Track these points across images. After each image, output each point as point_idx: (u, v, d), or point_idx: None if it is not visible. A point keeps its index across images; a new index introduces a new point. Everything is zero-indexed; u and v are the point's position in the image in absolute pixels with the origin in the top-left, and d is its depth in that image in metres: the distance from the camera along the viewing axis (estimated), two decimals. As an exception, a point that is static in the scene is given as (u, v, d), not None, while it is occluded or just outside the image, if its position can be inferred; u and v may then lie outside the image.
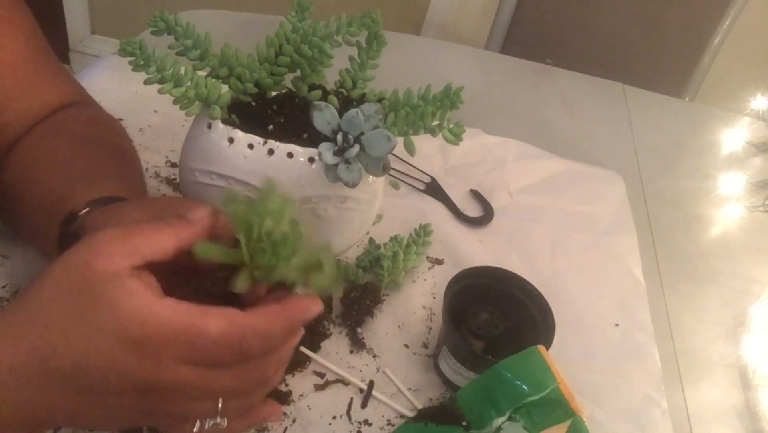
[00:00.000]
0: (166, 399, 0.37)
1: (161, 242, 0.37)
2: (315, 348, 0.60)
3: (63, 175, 0.54)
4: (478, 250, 0.76)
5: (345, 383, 0.58)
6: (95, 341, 0.34)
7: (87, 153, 0.57)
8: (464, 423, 0.53)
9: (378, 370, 0.60)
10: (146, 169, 0.75)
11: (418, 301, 0.68)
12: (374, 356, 0.61)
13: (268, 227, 0.37)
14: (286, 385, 0.57)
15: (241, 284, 0.37)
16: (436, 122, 0.47)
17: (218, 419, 0.39)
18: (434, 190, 0.83)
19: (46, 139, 0.58)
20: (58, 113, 0.61)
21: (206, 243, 0.38)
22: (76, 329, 0.35)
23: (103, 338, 0.34)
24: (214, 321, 0.35)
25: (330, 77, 0.53)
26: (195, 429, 0.39)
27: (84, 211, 0.48)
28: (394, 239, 0.70)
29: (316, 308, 0.38)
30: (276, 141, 0.47)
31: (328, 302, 0.65)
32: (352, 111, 0.45)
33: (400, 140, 0.47)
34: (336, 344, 0.62)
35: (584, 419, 0.51)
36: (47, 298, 0.36)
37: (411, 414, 0.56)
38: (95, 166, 0.56)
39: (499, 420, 0.51)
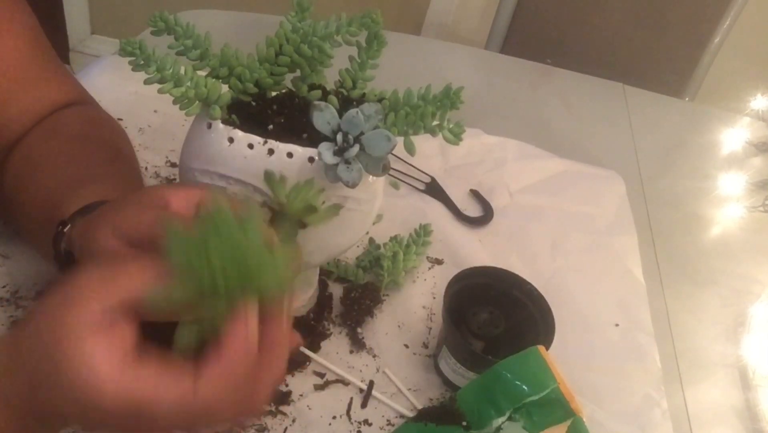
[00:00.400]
0: None
1: (143, 281, 0.33)
2: (315, 348, 0.60)
3: (58, 181, 0.54)
4: (478, 250, 0.76)
5: (345, 383, 0.58)
6: (68, 405, 0.33)
7: (83, 155, 0.57)
8: (464, 423, 0.53)
9: (378, 370, 0.60)
10: (146, 169, 0.75)
11: (418, 301, 0.68)
12: (374, 356, 0.61)
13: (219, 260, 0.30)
14: (286, 385, 0.57)
15: (182, 343, 0.32)
16: (436, 122, 0.47)
17: None
18: (434, 190, 0.83)
19: (45, 141, 0.58)
20: (58, 113, 0.61)
21: (156, 292, 0.31)
22: (50, 390, 0.33)
23: (73, 405, 0.32)
24: (165, 400, 0.32)
25: (330, 77, 0.53)
26: None
27: (68, 227, 0.48)
28: (394, 239, 0.70)
29: (242, 336, 0.32)
30: (276, 141, 0.47)
31: (328, 301, 0.65)
32: (352, 111, 0.45)
33: (400, 140, 0.47)
34: (336, 344, 0.62)
35: (584, 419, 0.51)
36: (27, 347, 0.34)
37: (411, 414, 0.56)
38: (90, 168, 0.56)
39: (499, 420, 0.51)
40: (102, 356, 0.31)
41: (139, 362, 0.32)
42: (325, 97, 0.51)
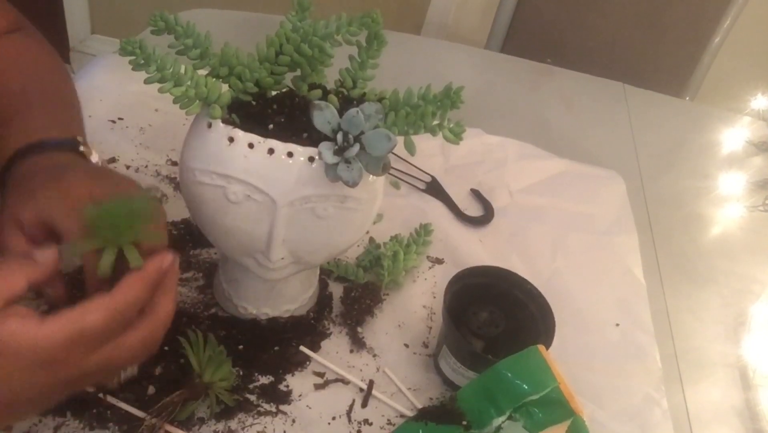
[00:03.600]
0: (89, 376, 0.43)
1: (15, 284, 0.41)
2: (315, 348, 0.60)
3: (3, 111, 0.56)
4: (478, 249, 0.76)
5: (345, 382, 0.58)
6: (13, 378, 0.39)
7: (26, 84, 0.60)
8: (464, 423, 0.53)
9: (378, 369, 0.60)
10: (146, 167, 0.75)
11: (418, 300, 0.68)
12: (374, 356, 0.61)
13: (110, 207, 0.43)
14: (287, 385, 0.57)
15: (103, 267, 0.43)
16: (436, 122, 0.47)
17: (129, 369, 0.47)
18: (435, 189, 0.83)
19: None
20: (3, 41, 0.62)
21: (74, 242, 0.43)
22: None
23: (18, 375, 0.39)
24: (92, 315, 0.40)
25: (330, 77, 0.53)
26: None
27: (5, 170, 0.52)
28: (395, 238, 0.70)
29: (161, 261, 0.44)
30: (276, 140, 0.47)
31: (328, 301, 0.65)
32: (352, 110, 0.45)
33: (400, 140, 0.47)
34: (336, 343, 0.62)
35: (584, 419, 0.51)
36: None
37: (411, 414, 0.56)
38: (26, 99, 0.58)
39: (499, 420, 0.51)
40: (17, 328, 0.38)
41: (53, 315, 0.39)
42: (325, 96, 0.51)
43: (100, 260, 0.43)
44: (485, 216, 0.81)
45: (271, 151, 0.47)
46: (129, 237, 0.44)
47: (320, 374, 0.59)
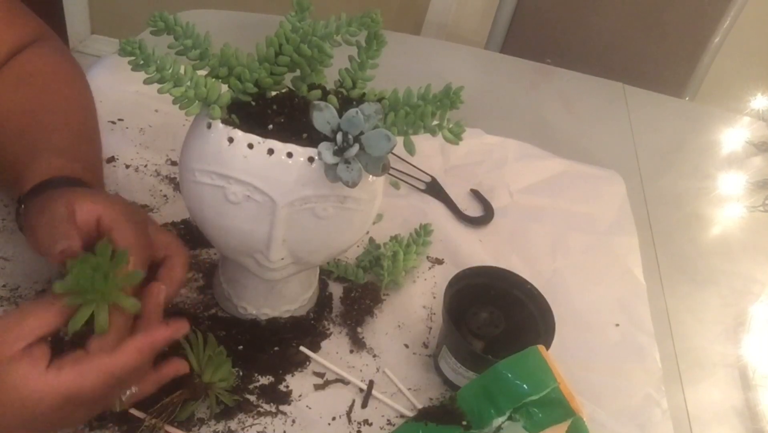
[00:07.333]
0: (86, 412, 0.46)
1: (49, 320, 0.43)
2: (315, 348, 0.60)
3: (22, 146, 0.58)
4: (478, 250, 0.76)
5: (345, 382, 0.58)
6: (11, 416, 0.42)
7: (46, 115, 0.61)
8: (464, 423, 0.53)
9: (378, 370, 0.60)
10: (146, 167, 0.75)
11: (418, 301, 0.68)
12: (374, 356, 0.61)
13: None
14: (286, 386, 0.57)
15: (73, 325, 0.43)
16: (435, 122, 0.47)
17: (129, 391, 0.47)
18: (434, 190, 0.83)
19: (12, 92, 0.61)
20: (22, 58, 0.63)
21: (61, 282, 0.42)
22: None
23: (16, 414, 0.42)
24: (90, 379, 0.42)
25: (330, 77, 0.53)
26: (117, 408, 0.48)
27: (22, 207, 0.54)
28: (395, 238, 0.70)
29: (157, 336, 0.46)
30: (276, 141, 0.47)
31: (328, 301, 0.65)
32: (352, 111, 0.45)
33: (399, 140, 0.47)
34: (336, 343, 0.62)
35: (584, 419, 0.51)
36: None
37: (411, 414, 0.56)
38: (51, 132, 0.60)
39: (499, 420, 0.51)
40: (27, 373, 0.41)
41: (57, 366, 0.42)
42: (324, 96, 0.51)
43: (74, 317, 0.43)
44: (485, 216, 0.81)
45: (270, 151, 0.47)
46: (108, 294, 0.43)
47: (320, 375, 0.59)
